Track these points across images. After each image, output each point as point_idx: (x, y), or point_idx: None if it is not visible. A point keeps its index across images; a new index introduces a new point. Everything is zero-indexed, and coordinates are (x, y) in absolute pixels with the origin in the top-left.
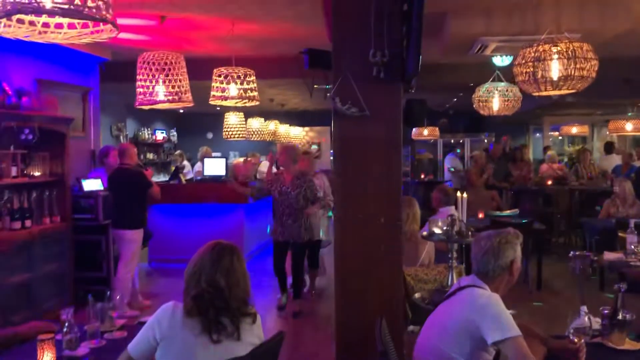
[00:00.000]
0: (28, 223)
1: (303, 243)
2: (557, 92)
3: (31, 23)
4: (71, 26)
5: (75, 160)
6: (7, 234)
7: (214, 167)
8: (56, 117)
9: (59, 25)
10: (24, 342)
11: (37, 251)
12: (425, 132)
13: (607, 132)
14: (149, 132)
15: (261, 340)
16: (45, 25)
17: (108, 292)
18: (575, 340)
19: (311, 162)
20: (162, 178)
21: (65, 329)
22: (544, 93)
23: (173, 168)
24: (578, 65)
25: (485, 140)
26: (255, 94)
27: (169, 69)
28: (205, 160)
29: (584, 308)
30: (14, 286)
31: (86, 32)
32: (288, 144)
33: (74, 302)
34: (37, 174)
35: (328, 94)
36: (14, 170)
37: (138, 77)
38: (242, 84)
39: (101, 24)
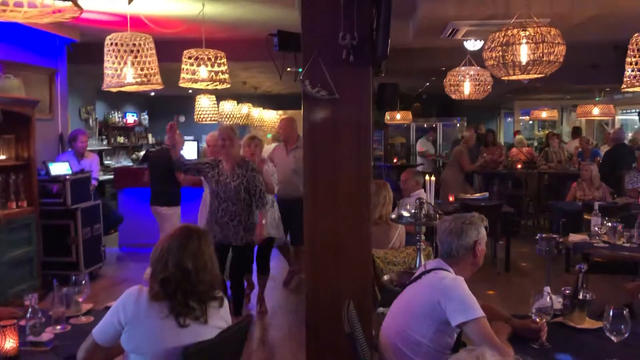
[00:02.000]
0: None
1: (244, 246)
2: (525, 77)
3: None
4: (32, 5)
5: (42, 144)
6: None
7: (186, 150)
8: (21, 98)
9: (18, 4)
10: None
11: (3, 236)
12: (398, 116)
13: (576, 117)
14: (120, 115)
15: (228, 324)
16: (5, 3)
17: (73, 277)
18: (538, 320)
19: (259, 150)
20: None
21: (29, 315)
22: (513, 77)
23: (144, 151)
24: (546, 50)
25: (458, 125)
26: (226, 76)
27: (138, 51)
28: None
29: (547, 289)
30: None
31: (48, 12)
32: (224, 126)
33: (42, 287)
34: (2, 157)
35: (298, 77)
36: None
37: (106, 58)
38: (212, 66)
39: (63, 2)
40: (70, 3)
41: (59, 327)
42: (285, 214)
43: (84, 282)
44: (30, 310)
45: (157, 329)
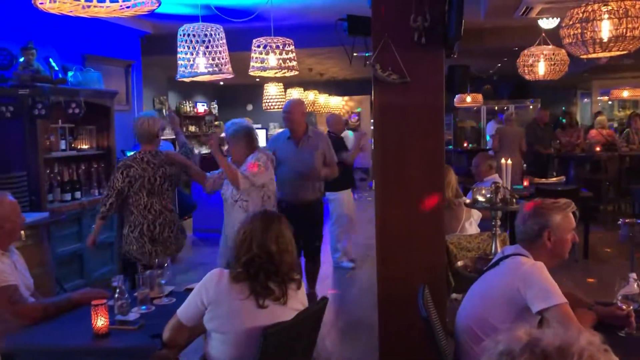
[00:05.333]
0: (78, 195)
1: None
2: (606, 54)
3: None
4: (113, 0)
5: (120, 133)
6: (58, 205)
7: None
8: (101, 90)
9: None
10: (78, 308)
11: (88, 222)
12: (468, 99)
13: None
14: (191, 104)
15: (305, 306)
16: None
17: (156, 260)
18: (624, 307)
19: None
20: (205, 150)
21: (116, 295)
22: (593, 55)
23: None
24: (630, 25)
25: (531, 107)
26: (295, 63)
27: (209, 41)
28: None
29: (633, 275)
30: (67, 256)
31: (128, 4)
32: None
33: (122, 271)
34: (84, 147)
35: (368, 62)
36: (62, 144)
37: (179, 49)
38: (281, 53)
39: None
40: None
41: (144, 307)
42: (293, 223)
43: (166, 265)
44: (117, 291)
45: (238, 310)
